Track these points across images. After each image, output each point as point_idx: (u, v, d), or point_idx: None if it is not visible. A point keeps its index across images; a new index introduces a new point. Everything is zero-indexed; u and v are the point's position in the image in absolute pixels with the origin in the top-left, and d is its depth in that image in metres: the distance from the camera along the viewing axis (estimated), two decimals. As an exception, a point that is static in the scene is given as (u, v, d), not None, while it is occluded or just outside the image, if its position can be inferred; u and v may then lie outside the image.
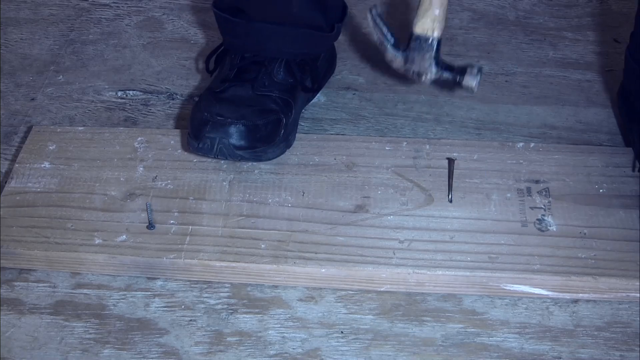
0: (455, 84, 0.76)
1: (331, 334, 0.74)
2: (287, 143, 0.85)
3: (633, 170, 0.83)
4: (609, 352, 0.72)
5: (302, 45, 0.87)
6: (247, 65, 0.86)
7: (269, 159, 0.84)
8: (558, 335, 0.73)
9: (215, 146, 0.78)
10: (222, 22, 0.88)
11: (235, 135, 0.79)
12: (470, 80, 0.75)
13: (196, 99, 1.00)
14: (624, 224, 0.77)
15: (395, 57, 0.77)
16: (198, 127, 0.79)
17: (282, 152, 0.85)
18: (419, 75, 0.76)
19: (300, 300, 0.77)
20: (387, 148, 0.86)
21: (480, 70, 0.75)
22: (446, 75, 0.76)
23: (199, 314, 0.76)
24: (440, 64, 0.76)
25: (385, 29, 0.77)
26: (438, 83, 0.75)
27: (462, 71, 0.75)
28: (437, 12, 0.75)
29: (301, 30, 0.86)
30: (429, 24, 0.75)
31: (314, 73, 0.92)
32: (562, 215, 0.78)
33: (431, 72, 0.76)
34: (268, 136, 0.81)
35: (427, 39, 0.75)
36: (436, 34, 0.75)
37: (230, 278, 0.77)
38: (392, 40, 0.77)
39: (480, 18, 1.14)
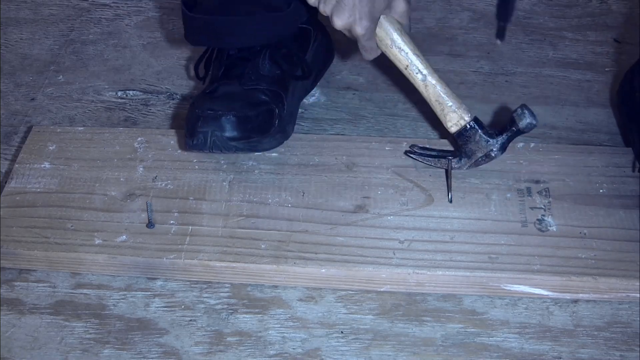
0: (519, 133, 0.77)
1: (331, 334, 0.74)
2: (285, 134, 0.85)
3: (633, 170, 0.83)
4: (609, 352, 0.72)
5: (263, 31, 0.85)
6: (233, 61, 0.86)
7: (266, 149, 0.84)
8: (558, 335, 0.73)
9: (209, 139, 0.78)
10: (183, 17, 0.87)
11: (227, 127, 0.79)
12: (523, 123, 0.75)
13: (195, 99, 1.00)
14: (624, 224, 0.77)
15: (461, 165, 0.81)
16: (191, 124, 0.80)
17: (280, 143, 0.85)
18: (488, 156, 0.79)
19: (300, 300, 0.77)
20: (387, 148, 0.86)
21: (524, 108, 0.76)
22: (505, 137, 0.78)
23: (199, 314, 0.76)
24: (494, 134, 0.78)
25: (432, 158, 0.82)
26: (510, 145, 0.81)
27: (512, 122, 0.76)
28: (450, 103, 0.78)
29: (257, 16, 0.84)
30: (455, 117, 0.78)
31: (303, 62, 0.91)
32: (562, 215, 0.78)
33: (494, 146, 0.78)
34: (261, 126, 0.81)
35: (466, 128, 0.78)
36: (467, 117, 0.78)
37: (230, 278, 0.77)
38: (446, 159, 0.81)
39: (480, 18, 1.14)
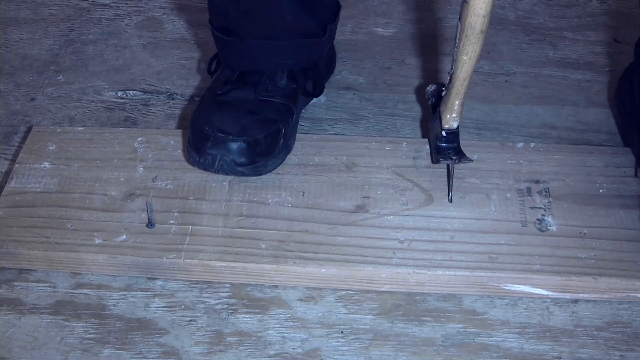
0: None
1: (331, 334, 0.74)
2: (287, 149, 0.85)
3: (635, 175, 0.82)
4: (609, 352, 0.72)
5: (296, 56, 0.87)
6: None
7: (269, 171, 0.83)
8: (558, 335, 0.73)
9: (217, 162, 0.79)
10: (217, 40, 0.88)
11: (236, 152, 0.79)
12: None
13: (197, 99, 1.00)
14: (624, 224, 0.77)
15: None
16: (199, 141, 0.79)
17: (282, 161, 0.84)
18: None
19: (300, 300, 0.77)
20: (387, 148, 0.86)
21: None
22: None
23: (199, 314, 0.76)
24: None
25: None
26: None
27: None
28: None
29: (293, 41, 0.85)
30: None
31: (316, 77, 0.92)
32: (562, 215, 0.78)
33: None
34: (268, 148, 0.81)
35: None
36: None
37: (230, 278, 0.77)
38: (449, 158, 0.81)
39: (480, 18, 1.14)
